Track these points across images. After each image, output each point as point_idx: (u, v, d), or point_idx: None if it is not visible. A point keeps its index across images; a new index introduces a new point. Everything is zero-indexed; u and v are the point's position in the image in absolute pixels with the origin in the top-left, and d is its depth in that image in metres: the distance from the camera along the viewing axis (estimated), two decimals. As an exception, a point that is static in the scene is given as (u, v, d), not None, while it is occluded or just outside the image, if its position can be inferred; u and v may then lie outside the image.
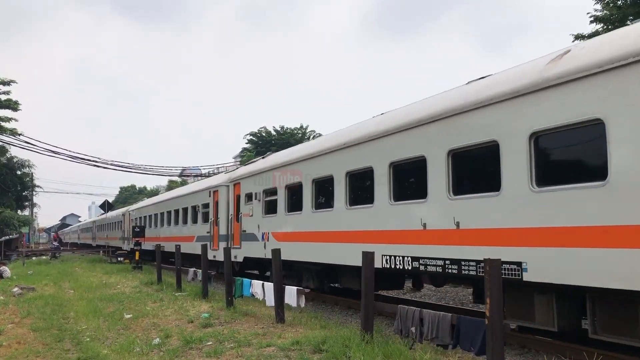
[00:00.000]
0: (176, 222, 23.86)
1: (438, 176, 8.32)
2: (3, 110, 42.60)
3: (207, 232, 18.85)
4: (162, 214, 26.67)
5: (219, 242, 17.79)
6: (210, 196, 19.00)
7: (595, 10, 21.54)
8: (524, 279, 6.80)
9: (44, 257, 37.46)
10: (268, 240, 13.94)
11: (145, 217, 30.70)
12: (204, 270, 13.35)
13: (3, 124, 41.49)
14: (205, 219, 19.46)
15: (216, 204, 18.34)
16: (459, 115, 7.98)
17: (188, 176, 55.96)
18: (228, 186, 17.63)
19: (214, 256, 17.89)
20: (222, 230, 17.56)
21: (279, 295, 9.42)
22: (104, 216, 48.01)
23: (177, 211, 23.80)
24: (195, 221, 20.84)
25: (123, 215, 37.77)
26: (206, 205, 19.44)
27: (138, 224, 29.81)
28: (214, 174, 40.29)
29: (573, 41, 21.92)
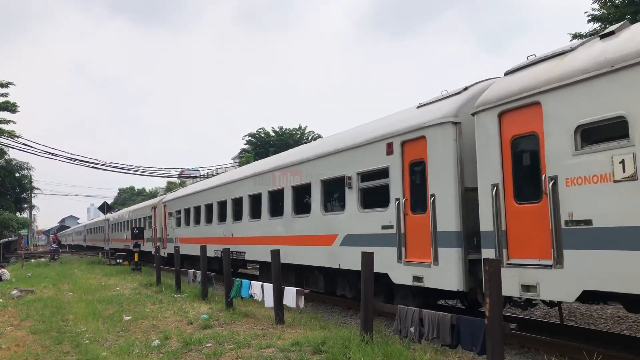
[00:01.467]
0: (274, 213, 14.18)
1: None
2: (1, 112, 42.56)
3: (386, 227, 9.53)
4: (236, 201, 16.71)
5: (436, 248, 8.34)
6: (393, 153, 9.50)
7: (593, 9, 21.56)
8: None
9: (42, 259, 37.43)
10: None
11: (196, 208, 20.68)
12: (203, 271, 13.33)
13: (1, 126, 41.45)
14: (374, 200, 10.25)
15: (409, 167, 9.21)
16: None
17: (187, 177, 56.00)
18: (455, 124, 8.31)
19: (420, 278, 8.65)
20: (450, 224, 8.18)
21: (279, 296, 9.41)
22: (122, 212, 40.58)
23: (276, 194, 14.03)
24: (337, 207, 11.43)
25: (153, 208, 28.35)
26: (375, 174, 10.05)
27: (184, 218, 22.03)
28: (213, 174, 40.22)
29: (571, 40, 21.96)
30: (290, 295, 9.43)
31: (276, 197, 14.17)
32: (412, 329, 6.60)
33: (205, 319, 9.89)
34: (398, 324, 6.89)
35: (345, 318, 11.08)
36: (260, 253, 14.15)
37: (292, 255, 12.50)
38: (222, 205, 17.84)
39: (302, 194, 12.94)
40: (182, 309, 11.43)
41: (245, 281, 11.10)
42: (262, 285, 10.30)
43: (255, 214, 15.30)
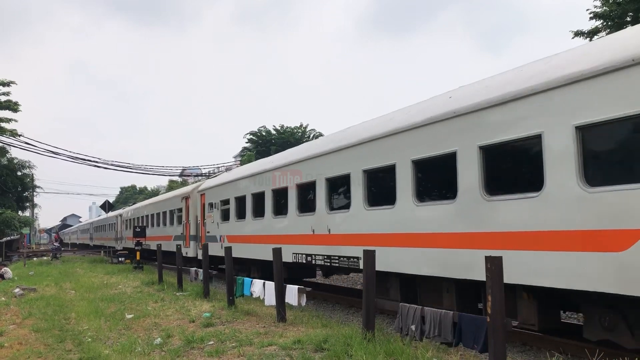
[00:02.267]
0: (429, 194, 8.66)
1: None
2: (3, 111, 42.64)
3: None
4: (335, 181, 11.11)
5: None
6: None
7: (595, 7, 21.51)
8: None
9: (45, 258, 37.49)
10: None
11: (257, 195, 14.65)
12: (204, 269, 13.35)
13: (3, 125, 41.50)
14: None
15: None
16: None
17: (188, 176, 56.05)
18: None
19: None
20: None
21: (280, 294, 9.42)
22: (138, 205, 34.15)
23: (436, 163, 8.37)
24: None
25: (185, 199, 22.10)
26: None
27: (236, 209, 16.20)
28: (214, 174, 40.23)
29: (573, 38, 21.94)
30: (292, 293, 9.44)
31: (434, 168, 8.39)
32: (413, 327, 6.60)
33: (207, 317, 9.90)
34: (400, 322, 6.89)
35: (347, 316, 11.09)
36: (394, 260, 8.90)
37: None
38: (307, 188, 12.04)
39: (511, 157, 7.30)
40: (184, 307, 11.44)
41: (247, 279, 11.12)
42: (264, 284, 10.31)
43: (380, 198, 9.59)
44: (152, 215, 28.40)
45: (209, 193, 19.22)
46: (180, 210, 22.89)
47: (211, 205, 18.70)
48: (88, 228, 60.98)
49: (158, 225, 26.84)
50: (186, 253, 20.21)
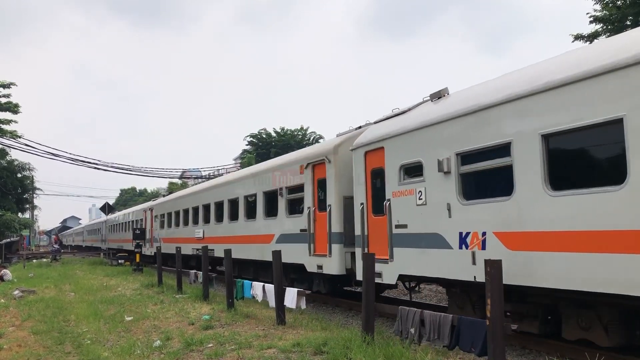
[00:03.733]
0: None
1: None
2: (3, 113, 42.64)
3: None
4: None
5: None
6: None
7: (595, 10, 21.54)
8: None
9: (44, 260, 37.48)
10: None
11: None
12: (204, 272, 13.34)
13: (3, 126, 41.51)
14: None
15: None
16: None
17: (188, 178, 56.08)
18: None
19: None
20: None
21: (280, 297, 9.41)
22: (186, 192, 23.75)
23: None
24: None
25: (310, 167, 12.14)
26: None
27: (546, 166, 6.16)
28: (215, 176, 40.21)
29: (573, 41, 21.96)
30: (291, 296, 9.43)
31: None
32: (412, 330, 6.60)
33: (206, 319, 9.90)
34: (399, 325, 6.89)
35: (346, 319, 11.08)
36: None
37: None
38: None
39: None
40: (184, 309, 11.44)
41: (247, 282, 11.12)
42: (264, 286, 10.31)
43: None
44: (219, 203, 18.01)
45: (398, 143, 9.37)
46: (296, 189, 13.01)
47: (408, 169, 9.14)
48: (99, 228, 50.22)
49: (234, 218, 16.64)
50: (320, 267, 11.73)
